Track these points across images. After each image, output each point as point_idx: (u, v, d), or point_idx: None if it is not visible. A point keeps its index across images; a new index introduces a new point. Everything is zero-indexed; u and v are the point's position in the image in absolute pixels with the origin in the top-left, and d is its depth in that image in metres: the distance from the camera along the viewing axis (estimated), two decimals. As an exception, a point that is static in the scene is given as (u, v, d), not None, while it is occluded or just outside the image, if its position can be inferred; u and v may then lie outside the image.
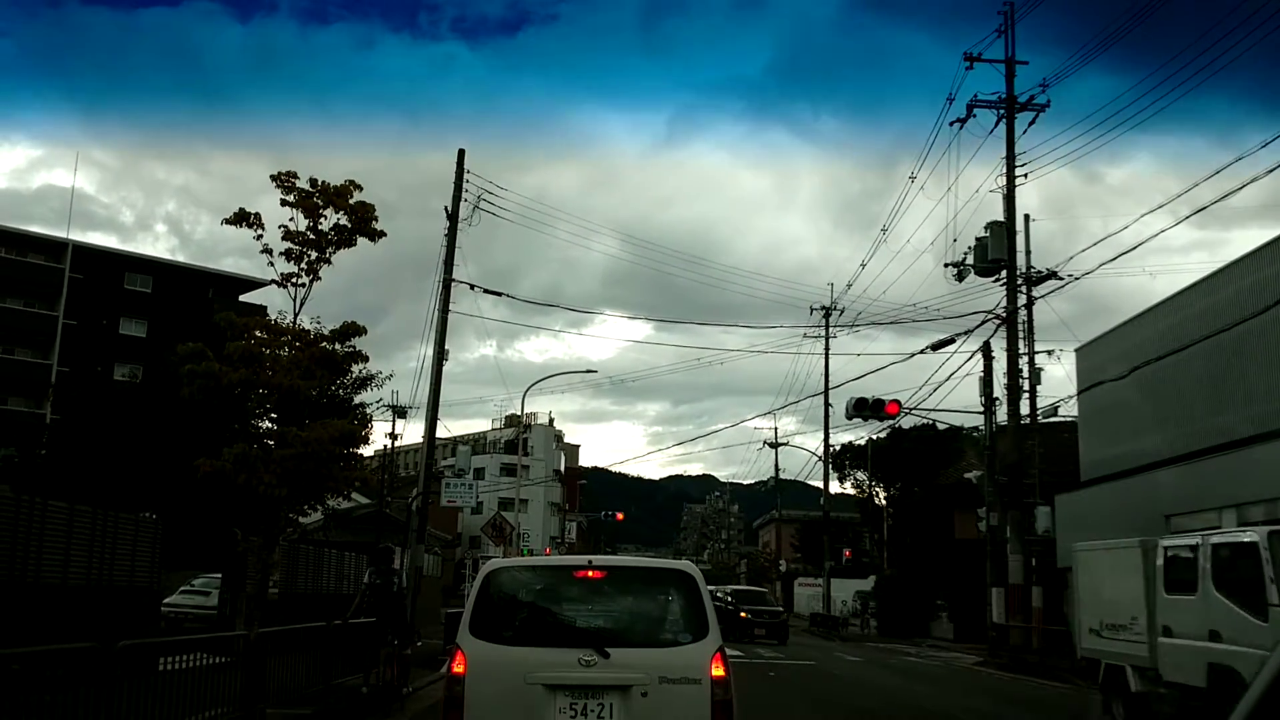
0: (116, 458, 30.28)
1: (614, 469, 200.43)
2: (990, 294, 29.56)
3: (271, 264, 12.82)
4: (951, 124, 29.68)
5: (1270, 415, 21.81)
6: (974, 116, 29.17)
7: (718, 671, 7.16)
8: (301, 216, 12.88)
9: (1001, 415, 29.62)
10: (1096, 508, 30.01)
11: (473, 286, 27.13)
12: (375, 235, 13.39)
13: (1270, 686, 1.20)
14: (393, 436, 53.78)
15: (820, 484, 53.85)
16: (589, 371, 63.44)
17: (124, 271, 67.29)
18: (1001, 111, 28.85)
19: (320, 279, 12.96)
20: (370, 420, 27.89)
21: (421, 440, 28.63)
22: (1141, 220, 69.31)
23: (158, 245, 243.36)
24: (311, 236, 12.87)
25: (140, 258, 72.22)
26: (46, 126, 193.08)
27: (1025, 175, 28.58)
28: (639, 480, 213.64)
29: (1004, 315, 28.37)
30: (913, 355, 33.22)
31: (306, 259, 12.84)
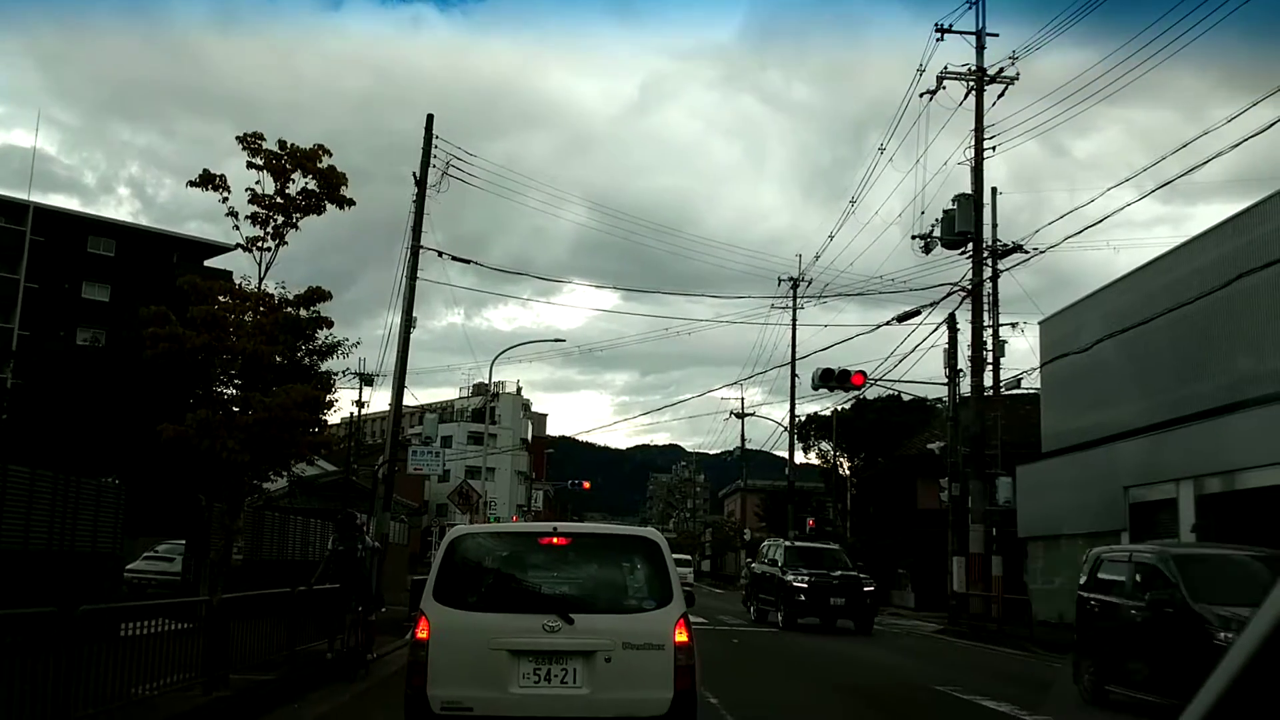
0: (79, 423, 29.98)
1: (581, 438, 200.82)
2: (956, 266, 29.76)
3: (237, 228, 12.72)
4: (921, 95, 29.73)
5: (1229, 389, 22.13)
6: (944, 88, 29.24)
7: (681, 637, 7.25)
8: (269, 179, 12.77)
9: (965, 387, 29.89)
10: (1057, 479, 30.38)
11: (441, 254, 27.03)
12: (344, 203, 13.29)
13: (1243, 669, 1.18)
14: (359, 404, 53.60)
15: (785, 454, 54.20)
16: (557, 340, 64.26)
17: (87, 235, 66.38)
18: (971, 84, 28.92)
19: (286, 244, 12.87)
20: (334, 385, 27.73)
21: (388, 408, 28.56)
22: (1107, 194, 69.85)
23: (121, 209, 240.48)
24: (279, 200, 12.76)
25: (103, 221, 71.22)
26: (5, 84, 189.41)
27: (994, 148, 28.72)
28: (606, 450, 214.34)
29: (969, 288, 28.56)
30: (879, 327, 33.36)
31: (272, 223, 12.74)
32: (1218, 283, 21.20)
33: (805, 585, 26.30)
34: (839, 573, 27.33)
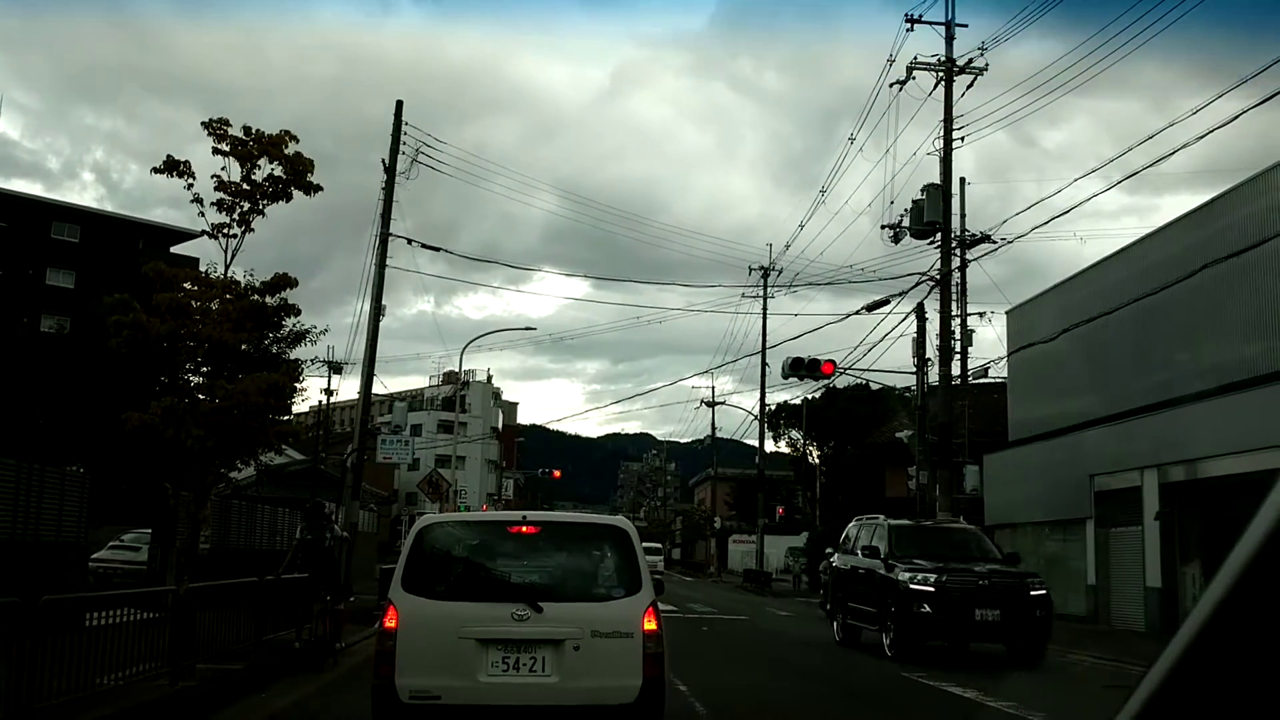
0: (43, 411, 29.65)
1: (552, 427, 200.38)
2: (925, 256, 29.86)
3: (202, 214, 12.62)
4: (891, 85, 29.75)
5: (1191, 378, 22.39)
6: (913, 78, 29.25)
7: (650, 626, 7.27)
8: (234, 165, 12.67)
9: (933, 376, 30.05)
10: (1023, 467, 30.67)
11: (410, 241, 26.88)
12: (311, 189, 13.20)
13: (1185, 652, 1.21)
14: (328, 392, 53.39)
15: (756, 443, 54.35)
16: (528, 329, 64.08)
17: (51, 221, 65.55)
18: (940, 74, 28.97)
19: (253, 230, 12.78)
20: (300, 373, 27.55)
21: (357, 396, 28.40)
22: (1075, 184, 70.18)
23: (85, 194, 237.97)
24: (245, 187, 12.67)
25: (68, 206, 70.34)
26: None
27: (962, 138, 28.78)
28: (577, 438, 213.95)
29: (938, 277, 28.70)
30: (848, 316, 33.47)
31: (239, 210, 12.64)
32: (1182, 273, 21.42)
33: (933, 590, 16.53)
34: (986, 567, 17.54)
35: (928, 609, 16.44)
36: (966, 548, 18.83)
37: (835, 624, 20.36)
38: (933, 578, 16.75)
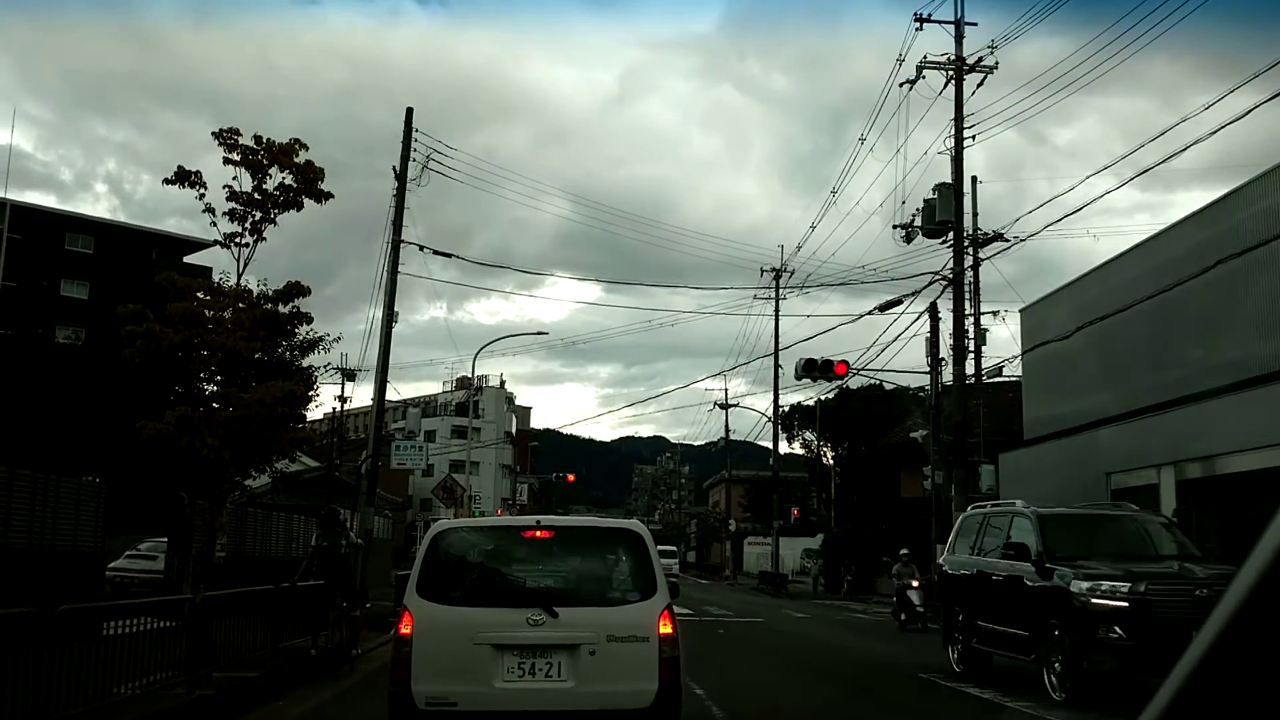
0: (59, 421, 29.80)
1: (565, 431, 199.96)
2: (937, 255, 29.80)
3: (214, 224, 12.68)
4: (901, 85, 29.69)
5: (1207, 375, 22.25)
6: (923, 78, 29.21)
7: (665, 629, 7.25)
8: (246, 175, 12.73)
9: (947, 375, 29.96)
10: (1039, 466, 30.51)
11: (422, 248, 26.92)
12: (322, 197, 13.25)
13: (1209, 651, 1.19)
14: (341, 399, 53.44)
15: (770, 444, 54.27)
16: (540, 333, 63.68)
17: (65, 232, 65.98)
18: (950, 73, 28.91)
19: (265, 239, 12.83)
20: (315, 381, 27.61)
21: (371, 403, 28.46)
22: (1087, 182, 69.68)
23: (98, 205, 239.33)
24: (256, 196, 12.73)
25: (81, 218, 70.74)
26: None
27: (973, 137, 28.70)
28: (590, 442, 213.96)
29: (950, 276, 28.61)
30: (861, 316, 33.42)
31: (250, 219, 12.71)
32: (1196, 269, 21.31)
33: (1127, 605, 11.75)
34: (1193, 569, 12.47)
35: (1120, 633, 11.64)
36: (1150, 542, 13.98)
37: (952, 651, 15.59)
38: (1125, 588, 11.86)
